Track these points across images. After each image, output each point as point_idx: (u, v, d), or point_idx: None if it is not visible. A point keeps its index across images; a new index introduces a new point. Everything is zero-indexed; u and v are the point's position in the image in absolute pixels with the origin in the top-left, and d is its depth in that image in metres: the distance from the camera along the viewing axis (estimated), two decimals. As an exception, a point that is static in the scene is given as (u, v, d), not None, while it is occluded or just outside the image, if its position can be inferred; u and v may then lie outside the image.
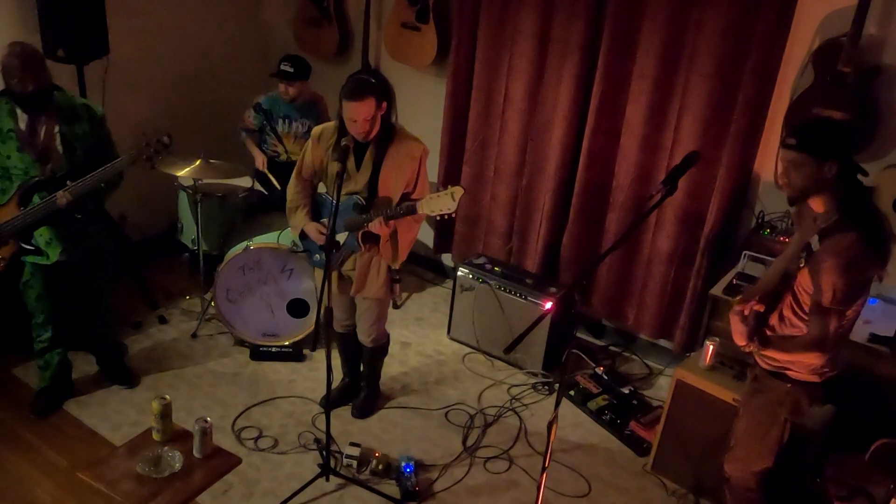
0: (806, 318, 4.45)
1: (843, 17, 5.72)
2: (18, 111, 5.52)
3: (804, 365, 4.55)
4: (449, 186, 5.33)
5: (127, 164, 5.57)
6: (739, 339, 4.58)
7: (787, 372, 4.63)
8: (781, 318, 4.60)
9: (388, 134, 5.60)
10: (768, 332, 4.63)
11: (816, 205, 4.38)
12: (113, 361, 6.77)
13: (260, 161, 7.87)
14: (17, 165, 5.55)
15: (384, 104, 5.47)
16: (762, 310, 4.66)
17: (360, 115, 5.32)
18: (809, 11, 6.01)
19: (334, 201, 5.26)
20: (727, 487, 5.12)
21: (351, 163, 5.50)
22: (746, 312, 4.61)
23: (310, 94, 7.86)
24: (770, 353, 4.58)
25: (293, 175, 5.97)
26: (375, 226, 5.51)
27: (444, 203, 5.29)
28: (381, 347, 6.50)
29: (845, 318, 4.36)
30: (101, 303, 6.40)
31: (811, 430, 5.09)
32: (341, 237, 5.74)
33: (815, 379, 4.58)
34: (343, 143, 5.38)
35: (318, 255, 6.00)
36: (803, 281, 4.40)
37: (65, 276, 6.06)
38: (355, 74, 8.37)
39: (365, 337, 6.33)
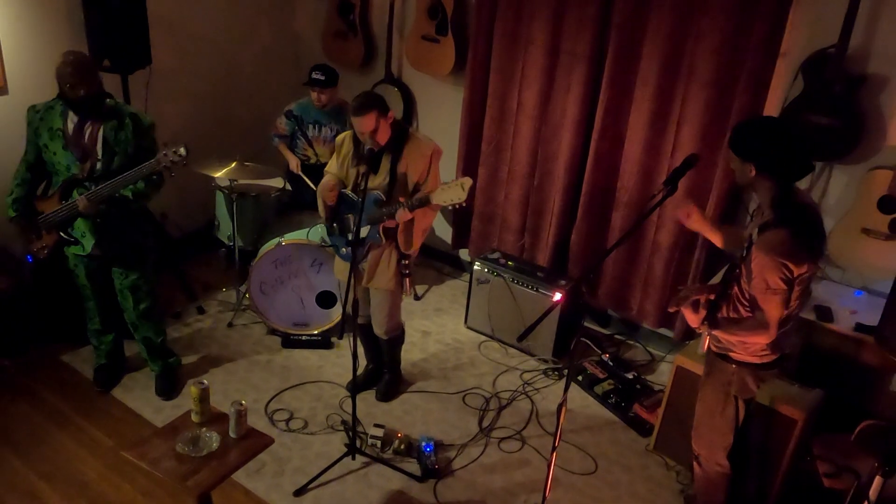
0: (748, 305, 4.48)
1: (830, 29, 5.71)
2: (70, 113, 5.58)
3: (747, 347, 4.60)
4: (458, 178, 5.38)
5: (144, 174, 5.54)
6: (693, 322, 4.66)
7: (731, 354, 4.69)
8: (730, 304, 4.63)
9: (402, 138, 5.65)
10: (719, 316, 4.67)
11: (761, 197, 4.45)
12: (164, 373, 6.61)
13: (294, 164, 7.88)
14: (60, 162, 5.63)
15: (389, 114, 5.53)
16: (713, 297, 4.69)
17: (365, 127, 5.41)
18: (800, 24, 6.01)
19: (359, 199, 5.34)
20: (697, 463, 5.15)
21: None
22: (702, 301, 4.66)
23: (337, 100, 7.87)
24: (718, 333, 4.63)
25: (326, 170, 6.05)
26: (401, 214, 5.55)
27: (455, 193, 5.32)
28: (395, 339, 6.52)
29: (788, 307, 4.38)
30: (140, 302, 6.24)
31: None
32: (364, 230, 5.78)
33: (756, 360, 4.62)
34: (367, 148, 5.44)
35: (344, 249, 6.03)
36: (744, 272, 4.43)
37: (104, 269, 6.10)
38: (376, 84, 8.44)
39: (379, 329, 6.35)
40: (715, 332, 4.63)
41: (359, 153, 5.64)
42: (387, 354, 6.67)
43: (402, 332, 6.58)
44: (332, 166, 5.96)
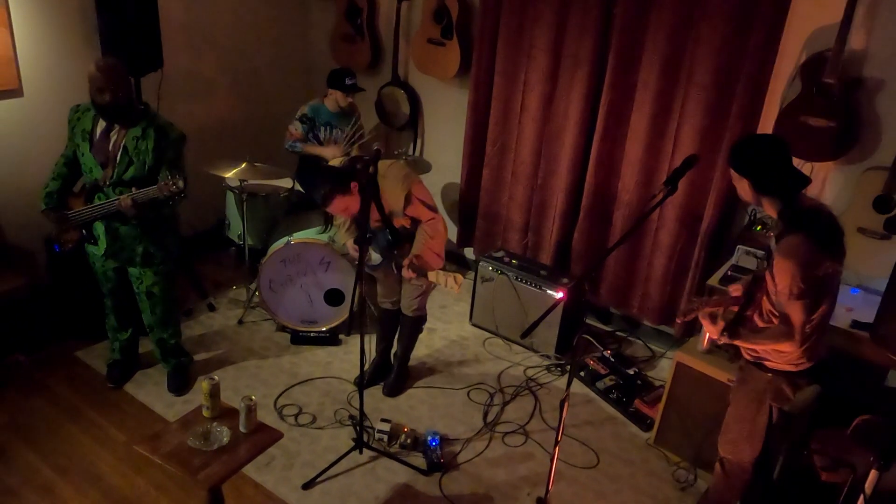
0: (780, 315, 4.46)
1: (828, 32, 5.72)
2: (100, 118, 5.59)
3: (779, 355, 4.56)
4: (455, 273, 5.45)
5: (153, 194, 5.45)
6: (713, 334, 4.61)
7: (765, 362, 4.64)
8: (761, 316, 4.62)
9: (373, 188, 5.53)
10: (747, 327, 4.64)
11: (768, 212, 4.43)
12: (176, 371, 6.63)
13: (330, 153, 7.78)
14: (86, 163, 5.65)
15: (353, 186, 5.50)
16: (736, 309, 4.69)
17: (338, 210, 5.59)
18: (797, 28, 6.02)
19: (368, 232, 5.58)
20: (721, 465, 5.11)
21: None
22: (720, 312, 4.65)
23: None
24: (740, 343, 4.59)
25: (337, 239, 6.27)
26: (406, 273, 5.69)
27: (448, 283, 5.44)
28: (419, 318, 6.59)
29: (815, 314, 4.35)
30: (156, 308, 6.24)
31: (798, 410, 5.09)
32: (376, 259, 6.06)
33: (792, 369, 4.57)
34: (368, 235, 5.60)
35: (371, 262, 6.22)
36: (769, 281, 4.42)
37: (119, 270, 6.10)
38: (383, 86, 8.44)
39: (407, 309, 6.44)
40: (737, 343, 4.62)
41: (354, 221, 5.90)
42: (406, 337, 6.72)
43: (426, 316, 6.67)
44: (342, 237, 6.24)
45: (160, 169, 5.64)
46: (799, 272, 4.17)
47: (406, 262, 5.63)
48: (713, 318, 4.60)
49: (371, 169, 5.45)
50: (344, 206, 5.51)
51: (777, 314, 4.46)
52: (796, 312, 4.29)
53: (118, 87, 5.39)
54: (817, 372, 4.63)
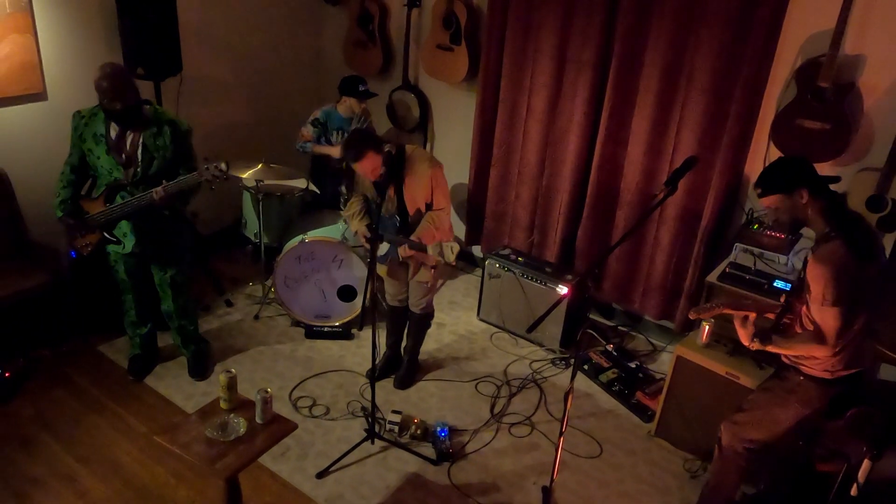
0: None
1: (822, 39, 5.74)
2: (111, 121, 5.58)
3: (813, 361, 4.56)
4: (452, 242, 5.58)
5: (194, 182, 5.54)
6: (744, 339, 4.60)
7: (800, 366, 4.65)
8: (801, 324, 4.61)
9: (400, 164, 5.75)
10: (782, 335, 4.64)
11: (815, 220, 4.41)
12: (196, 356, 6.72)
13: (338, 153, 7.77)
14: (103, 165, 5.62)
15: (384, 147, 5.63)
16: (770, 317, 4.69)
17: (366, 170, 5.63)
18: (793, 34, 6.02)
19: (380, 215, 5.63)
20: (717, 448, 5.11)
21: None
22: (751, 317, 4.63)
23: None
24: (772, 349, 4.57)
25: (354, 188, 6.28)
26: (402, 251, 5.82)
27: (446, 253, 5.55)
28: (427, 315, 6.61)
29: (853, 321, 4.34)
30: (179, 297, 6.33)
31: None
32: (384, 248, 6.10)
33: (827, 376, 4.57)
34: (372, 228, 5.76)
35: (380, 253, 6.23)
36: (806, 289, 4.42)
37: (142, 265, 6.14)
38: (394, 90, 8.43)
39: (415, 307, 6.47)
40: (769, 349, 4.60)
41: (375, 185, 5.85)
42: (413, 334, 6.75)
43: (433, 312, 6.69)
44: (354, 224, 6.20)
45: (178, 161, 5.74)
46: (833, 278, 4.17)
47: (405, 240, 5.73)
48: (744, 323, 4.60)
49: (384, 170, 5.55)
50: (373, 167, 5.57)
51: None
52: (829, 319, 4.28)
53: (126, 93, 5.38)
54: (854, 381, 4.63)
